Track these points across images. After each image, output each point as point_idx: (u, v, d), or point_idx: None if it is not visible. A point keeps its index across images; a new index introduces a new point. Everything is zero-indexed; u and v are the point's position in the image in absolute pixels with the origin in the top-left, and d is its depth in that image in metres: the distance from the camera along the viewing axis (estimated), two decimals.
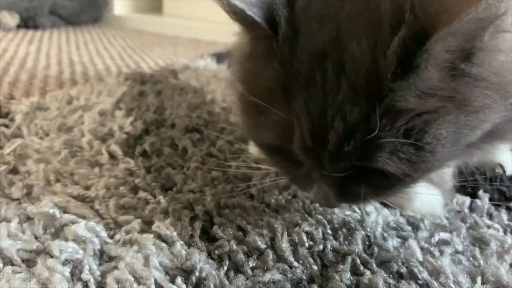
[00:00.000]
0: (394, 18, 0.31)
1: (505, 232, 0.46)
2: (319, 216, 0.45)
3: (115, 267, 0.38)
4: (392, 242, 0.43)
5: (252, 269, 0.39)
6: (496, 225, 0.47)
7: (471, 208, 0.50)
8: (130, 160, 0.58)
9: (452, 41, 0.29)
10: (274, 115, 0.35)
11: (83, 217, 0.44)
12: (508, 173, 0.57)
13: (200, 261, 0.38)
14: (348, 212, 0.47)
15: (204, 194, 0.49)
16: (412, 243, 0.42)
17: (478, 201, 0.51)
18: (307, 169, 0.38)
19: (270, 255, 0.40)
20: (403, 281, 0.37)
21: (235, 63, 0.43)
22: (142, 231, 0.43)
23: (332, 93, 0.32)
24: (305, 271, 0.39)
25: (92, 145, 0.61)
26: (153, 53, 1.47)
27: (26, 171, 0.54)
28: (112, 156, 0.59)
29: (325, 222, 0.45)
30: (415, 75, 0.31)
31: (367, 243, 0.43)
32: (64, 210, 0.45)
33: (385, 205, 0.48)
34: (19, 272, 0.36)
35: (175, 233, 0.42)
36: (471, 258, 0.41)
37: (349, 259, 0.40)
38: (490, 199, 0.52)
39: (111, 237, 0.42)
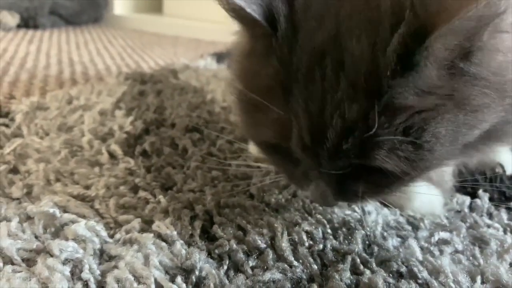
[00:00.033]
0: (394, 16, 0.31)
1: (505, 231, 0.46)
2: (319, 216, 0.45)
3: (115, 267, 0.38)
4: (392, 242, 0.43)
5: (252, 268, 0.39)
6: (496, 225, 0.47)
7: (471, 208, 0.50)
8: (130, 159, 0.58)
9: (452, 39, 0.30)
10: (273, 112, 0.35)
11: (83, 217, 0.44)
12: (508, 172, 0.57)
13: (200, 260, 0.38)
14: (348, 212, 0.47)
15: (204, 194, 0.49)
16: (412, 242, 0.42)
17: (478, 201, 0.51)
18: (304, 167, 0.38)
19: (270, 254, 0.40)
20: (403, 280, 0.37)
21: (234, 61, 0.43)
22: (142, 230, 0.43)
23: (331, 91, 0.32)
24: (305, 270, 0.39)
25: (92, 144, 0.61)
26: (153, 53, 1.47)
27: (26, 171, 0.54)
28: (112, 155, 0.59)
29: (325, 221, 0.45)
30: (414, 73, 0.31)
31: (367, 242, 0.43)
32: (64, 210, 0.45)
33: (385, 204, 0.48)
34: (19, 272, 0.36)
35: (175, 233, 0.42)
36: (471, 258, 0.41)
37: (349, 258, 0.40)
38: (490, 199, 0.52)
39: (111, 236, 0.42)
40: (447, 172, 0.50)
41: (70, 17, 1.92)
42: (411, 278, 0.38)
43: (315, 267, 0.39)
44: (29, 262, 0.38)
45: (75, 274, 0.37)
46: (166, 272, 0.38)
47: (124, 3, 2.19)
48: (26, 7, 1.77)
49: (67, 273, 0.36)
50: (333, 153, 0.34)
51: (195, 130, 0.67)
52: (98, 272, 0.37)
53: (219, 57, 1.27)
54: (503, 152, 0.58)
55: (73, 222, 0.42)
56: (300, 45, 0.34)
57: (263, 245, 0.41)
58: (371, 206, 0.48)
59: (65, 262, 0.37)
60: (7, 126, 0.66)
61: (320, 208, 0.47)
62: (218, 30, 1.66)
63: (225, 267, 0.39)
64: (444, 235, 0.44)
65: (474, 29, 0.30)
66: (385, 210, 0.48)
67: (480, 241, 0.44)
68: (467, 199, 0.51)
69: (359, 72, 0.31)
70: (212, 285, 0.36)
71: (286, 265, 0.39)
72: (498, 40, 0.32)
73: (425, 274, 0.38)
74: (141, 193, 0.50)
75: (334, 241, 0.42)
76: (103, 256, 0.40)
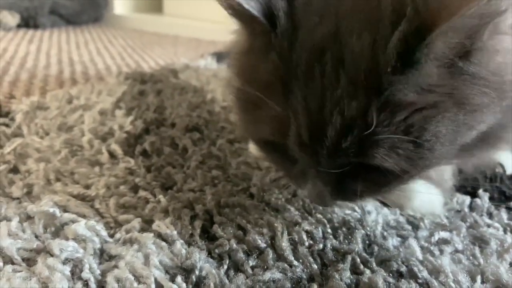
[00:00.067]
0: (395, 13, 0.31)
1: (505, 231, 0.46)
2: (319, 215, 0.45)
3: (115, 266, 0.38)
4: (392, 241, 0.43)
5: (252, 268, 0.39)
6: (496, 224, 0.47)
7: (471, 207, 0.50)
8: (130, 159, 0.58)
9: (453, 36, 0.30)
10: (271, 109, 0.35)
11: (83, 216, 0.44)
12: (508, 172, 0.57)
13: (200, 260, 0.38)
14: (348, 211, 0.47)
15: (204, 193, 0.50)
16: (412, 242, 0.42)
17: (478, 200, 0.51)
18: (302, 165, 0.38)
19: (270, 254, 0.40)
20: (403, 280, 0.37)
21: (232, 59, 0.43)
22: (142, 230, 0.43)
23: (331, 88, 0.32)
24: (305, 270, 0.39)
25: (92, 144, 0.62)
26: (154, 52, 1.47)
27: (26, 170, 0.54)
28: (112, 155, 0.59)
29: (325, 221, 0.45)
30: (414, 70, 0.31)
31: (367, 242, 0.43)
32: (64, 209, 0.45)
33: (385, 204, 0.48)
34: (19, 271, 0.36)
35: (175, 232, 0.42)
36: (471, 257, 0.41)
37: (349, 258, 0.40)
38: (490, 198, 0.52)
39: (111, 236, 0.42)
40: (447, 172, 0.50)
41: (70, 16, 1.92)
42: (411, 278, 0.38)
43: (315, 266, 0.39)
44: (29, 262, 0.38)
45: (75, 273, 0.37)
46: (166, 272, 0.38)
47: (124, 3, 2.19)
48: (26, 7, 1.77)
49: (67, 272, 0.36)
50: (332, 151, 0.33)
51: (195, 129, 0.67)
52: (98, 271, 0.37)
53: (219, 56, 1.27)
54: (503, 152, 0.58)
55: (73, 221, 0.42)
56: (300, 42, 0.34)
57: (263, 245, 0.41)
58: (371, 205, 0.48)
59: (65, 261, 0.37)
60: (7, 125, 0.66)
61: (320, 207, 0.47)
62: (218, 29, 1.66)
63: (225, 266, 0.39)
64: (444, 234, 0.44)
65: (475, 27, 0.30)
66: (385, 210, 0.48)
67: (480, 241, 0.44)
68: (467, 199, 0.51)
69: (359, 69, 0.31)
70: (212, 284, 0.36)
71: (286, 265, 0.39)
72: (497, 41, 0.32)
73: (425, 273, 0.38)
74: (141, 193, 0.50)
75: (334, 240, 0.42)
76: (103, 255, 0.40)
